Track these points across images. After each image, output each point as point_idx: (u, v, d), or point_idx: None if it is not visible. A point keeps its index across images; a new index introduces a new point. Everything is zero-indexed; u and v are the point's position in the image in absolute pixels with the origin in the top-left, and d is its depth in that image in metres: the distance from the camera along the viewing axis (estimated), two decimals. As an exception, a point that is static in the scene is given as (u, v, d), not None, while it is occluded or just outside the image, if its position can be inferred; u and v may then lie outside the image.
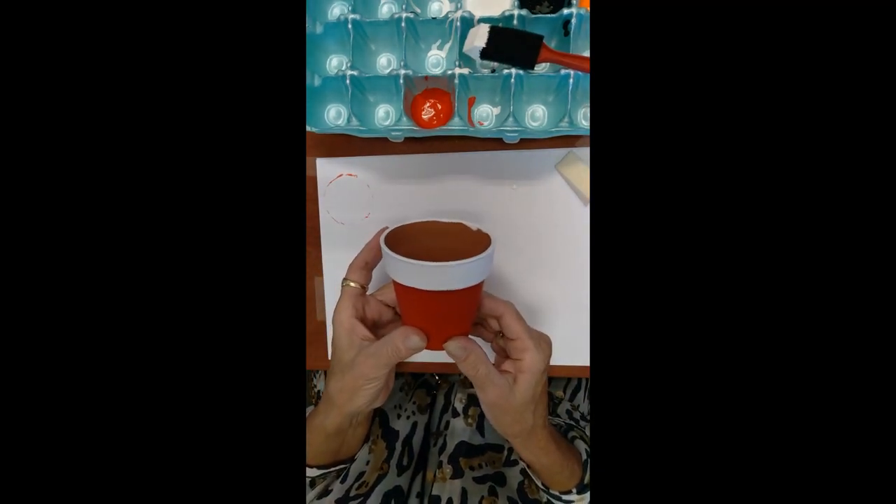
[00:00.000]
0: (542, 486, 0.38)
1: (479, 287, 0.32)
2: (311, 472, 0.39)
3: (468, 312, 0.34)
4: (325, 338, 0.49)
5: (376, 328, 0.37)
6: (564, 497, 0.37)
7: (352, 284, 0.36)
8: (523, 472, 0.40)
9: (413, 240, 0.34)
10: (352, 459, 0.41)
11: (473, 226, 0.34)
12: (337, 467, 0.40)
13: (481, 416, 0.47)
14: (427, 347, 0.34)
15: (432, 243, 0.35)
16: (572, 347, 0.45)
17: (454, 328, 0.34)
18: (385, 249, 0.32)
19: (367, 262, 0.36)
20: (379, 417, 0.45)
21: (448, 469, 0.40)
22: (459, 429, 0.45)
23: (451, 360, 0.46)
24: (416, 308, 0.33)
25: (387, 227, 0.34)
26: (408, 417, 0.47)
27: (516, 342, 0.33)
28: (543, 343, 0.34)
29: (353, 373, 0.34)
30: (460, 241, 0.34)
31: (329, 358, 0.47)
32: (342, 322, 0.35)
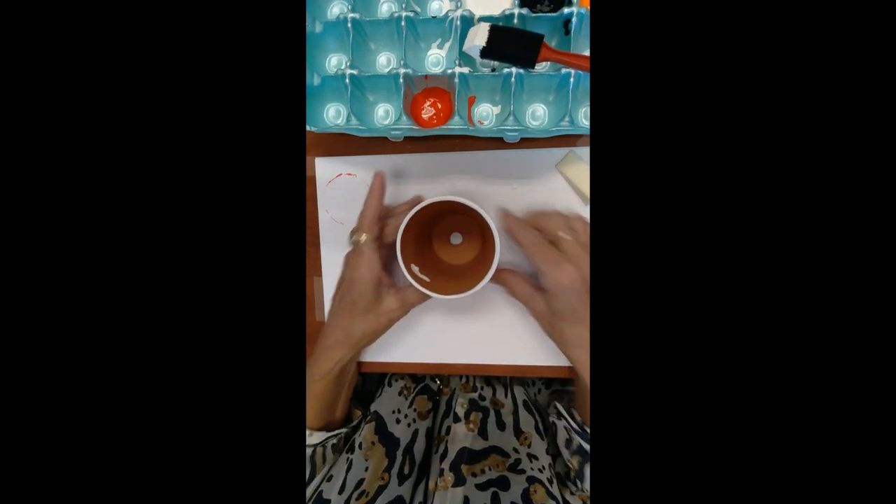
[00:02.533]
0: (576, 427, 0.41)
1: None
2: (315, 439, 0.41)
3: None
4: (324, 337, 0.49)
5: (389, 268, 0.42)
6: None
7: (365, 237, 0.39)
8: (529, 479, 0.39)
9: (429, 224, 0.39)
10: (344, 422, 0.43)
11: (469, 203, 0.36)
12: (327, 434, 0.42)
13: (483, 420, 0.46)
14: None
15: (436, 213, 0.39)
16: (572, 347, 0.45)
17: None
18: (408, 277, 0.36)
19: (379, 215, 0.40)
20: (375, 422, 0.45)
21: (450, 477, 0.40)
22: (461, 434, 0.45)
23: (449, 361, 0.47)
24: None
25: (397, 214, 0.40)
26: (408, 425, 0.46)
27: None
28: (547, 281, 0.37)
29: (386, 317, 0.39)
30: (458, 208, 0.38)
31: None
32: (370, 279, 0.38)
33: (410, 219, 0.36)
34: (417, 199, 0.41)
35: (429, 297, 0.37)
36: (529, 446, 0.44)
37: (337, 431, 0.42)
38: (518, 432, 0.45)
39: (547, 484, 0.39)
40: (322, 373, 0.41)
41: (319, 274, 0.48)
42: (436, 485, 0.40)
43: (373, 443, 0.43)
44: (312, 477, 0.42)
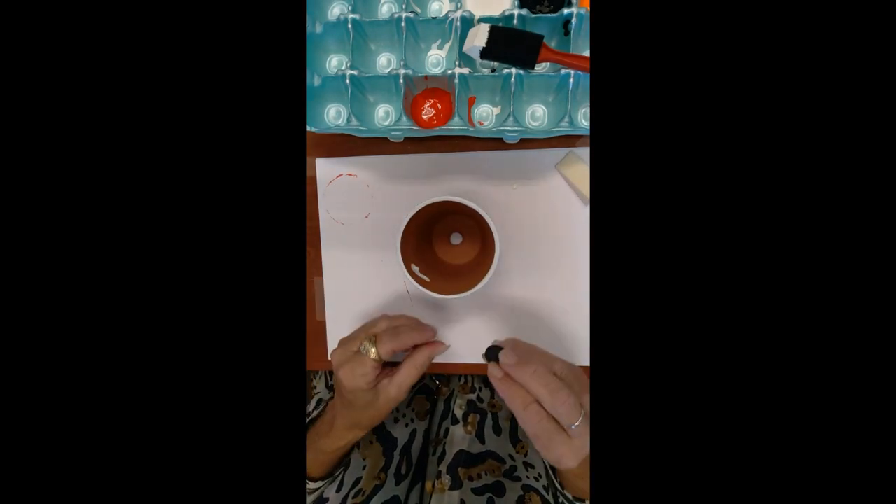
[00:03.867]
0: (572, 499, 0.37)
1: None
2: (315, 485, 0.40)
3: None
4: (324, 338, 0.49)
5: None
6: None
7: (374, 352, 0.36)
8: (525, 487, 0.39)
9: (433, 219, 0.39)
10: (347, 462, 0.42)
11: (477, 207, 0.36)
12: (336, 473, 0.41)
13: (481, 423, 0.46)
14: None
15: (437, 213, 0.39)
16: (572, 347, 0.45)
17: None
18: (408, 276, 0.37)
19: (403, 348, 0.38)
20: None
21: (447, 479, 0.40)
22: (459, 437, 0.45)
23: (450, 361, 0.47)
24: None
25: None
26: (406, 425, 0.46)
27: None
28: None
29: (381, 409, 0.37)
30: (470, 218, 0.38)
31: (330, 358, 0.48)
32: (365, 388, 0.36)
33: (411, 219, 0.37)
34: (430, 333, 0.40)
35: (423, 372, 0.37)
36: (525, 455, 0.44)
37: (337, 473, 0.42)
38: (515, 441, 0.45)
39: (542, 492, 0.39)
40: (334, 448, 0.40)
41: (320, 274, 0.48)
42: (433, 487, 0.40)
43: (371, 441, 0.43)
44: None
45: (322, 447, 0.39)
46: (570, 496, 0.37)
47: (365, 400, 0.36)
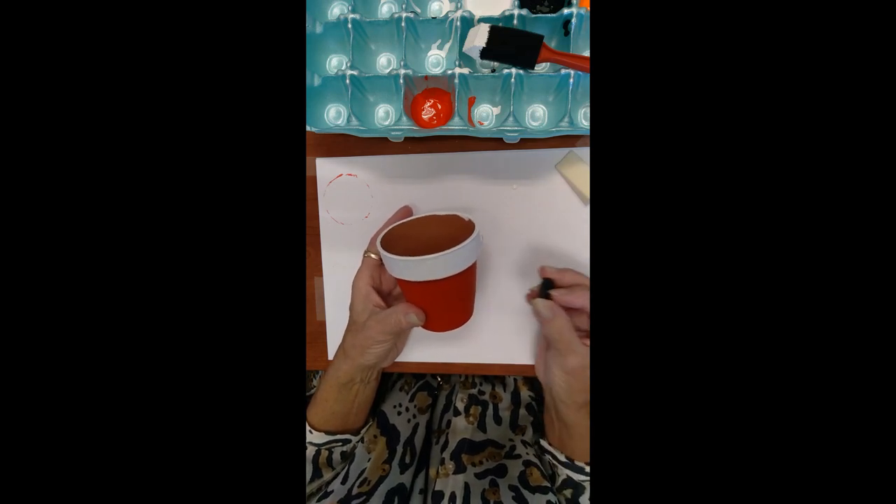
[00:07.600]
0: (564, 461, 0.40)
1: (467, 274, 0.35)
2: (318, 439, 0.41)
3: (462, 298, 0.38)
4: (325, 338, 0.49)
5: (390, 297, 0.43)
6: (587, 469, 0.39)
7: (372, 256, 0.41)
8: (525, 462, 0.40)
9: (414, 233, 0.38)
10: (356, 432, 0.43)
11: (465, 216, 0.38)
12: (343, 436, 0.42)
13: (482, 414, 0.47)
14: (429, 328, 0.39)
15: (430, 233, 0.39)
16: (572, 347, 0.45)
17: (450, 313, 0.38)
18: (378, 247, 0.36)
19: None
20: (377, 418, 0.45)
21: (450, 465, 0.41)
22: (461, 427, 0.46)
23: (450, 361, 0.47)
24: (412, 295, 0.37)
25: (407, 206, 0.41)
26: (408, 420, 0.47)
27: None
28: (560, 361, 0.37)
29: (363, 333, 0.39)
30: (455, 229, 0.37)
31: (331, 353, 0.49)
32: (360, 289, 0.40)
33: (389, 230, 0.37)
34: (406, 212, 0.42)
35: (403, 326, 0.37)
36: (523, 435, 0.45)
37: (340, 437, 0.42)
38: (514, 428, 0.46)
39: (542, 466, 0.41)
40: (327, 378, 0.42)
41: (320, 274, 0.48)
42: (437, 472, 0.41)
43: (375, 436, 0.44)
44: (319, 477, 0.42)
45: (325, 381, 0.41)
46: (579, 464, 0.39)
47: (359, 316, 0.39)
